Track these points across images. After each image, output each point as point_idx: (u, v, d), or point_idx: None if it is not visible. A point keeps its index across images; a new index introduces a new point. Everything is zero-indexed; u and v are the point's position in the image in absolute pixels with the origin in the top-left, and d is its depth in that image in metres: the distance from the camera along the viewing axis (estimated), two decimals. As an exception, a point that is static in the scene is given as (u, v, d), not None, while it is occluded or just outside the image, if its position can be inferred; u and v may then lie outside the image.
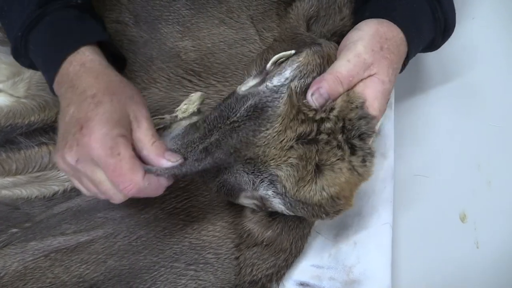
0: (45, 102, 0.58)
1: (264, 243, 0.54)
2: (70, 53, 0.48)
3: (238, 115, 0.45)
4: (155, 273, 0.53)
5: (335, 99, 0.46)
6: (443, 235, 0.59)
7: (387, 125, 0.61)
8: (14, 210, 0.57)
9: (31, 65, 0.53)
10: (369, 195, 0.58)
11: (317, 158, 0.44)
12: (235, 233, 0.56)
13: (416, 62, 0.70)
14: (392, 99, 0.63)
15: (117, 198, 0.45)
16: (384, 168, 0.60)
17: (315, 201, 0.44)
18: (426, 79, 0.69)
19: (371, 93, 0.47)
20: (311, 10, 0.59)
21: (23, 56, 0.51)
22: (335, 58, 0.48)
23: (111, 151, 0.42)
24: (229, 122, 0.45)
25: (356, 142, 0.45)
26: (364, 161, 0.45)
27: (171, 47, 0.62)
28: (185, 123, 0.50)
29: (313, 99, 0.45)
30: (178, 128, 0.50)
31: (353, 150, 0.45)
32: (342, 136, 0.45)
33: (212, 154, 0.45)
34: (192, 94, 0.52)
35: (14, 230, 0.55)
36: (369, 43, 0.48)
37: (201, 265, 0.54)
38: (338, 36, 0.59)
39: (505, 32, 0.73)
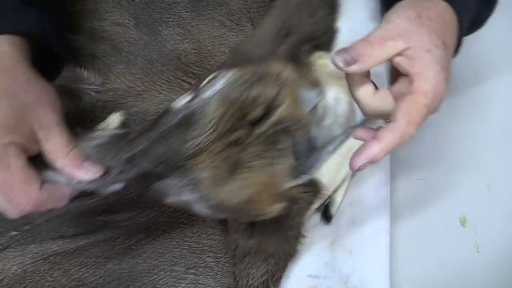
0: (45, 104, 0.58)
1: (252, 251, 0.53)
2: None
3: (168, 125, 0.43)
4: (155, 276, 0.53)
5: (364, 60, 0.39)
6: (443, 239, 0.59)
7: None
8: (14, 213, 0.57)
9: None
10: (363, 201, 0.57)
11: (237, 155, 0.42)
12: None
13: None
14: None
15: (11, 214, 0.41)
16: (376, 173, 0.58)
17: (233, 204, 0.42)
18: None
19: (418, 66, 0.40)
20: (276, 24, 0.57)
21: None
22: (279, 69, 0.44)
23: (0, 162, 0.38)
24: (159, 131, 0.43)
25: (277, 137, 0.43)
26: (274, 161, 0.43)
27: (171, 50, 0.62)
28: (110, 132, 0.47)
29: (337, 55, 0.39)
30: (103, 136, 0.46)
31: (270, 146, 0.43)
32: (265, 129, 0.42)
33: (139, 165, 0.42)
34: (110, 116, 0.49)
35: (14, 233, 0.55)
36: (404, 11, 0.42)
37: (200, 269, 0.54)
38: (309, 41, 0.58)
39: (506, 34, 0.72)
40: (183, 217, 0.56)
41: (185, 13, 0.62)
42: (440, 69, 0.40)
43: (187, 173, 0.42)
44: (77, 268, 0.53)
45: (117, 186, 0.44)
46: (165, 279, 0.53)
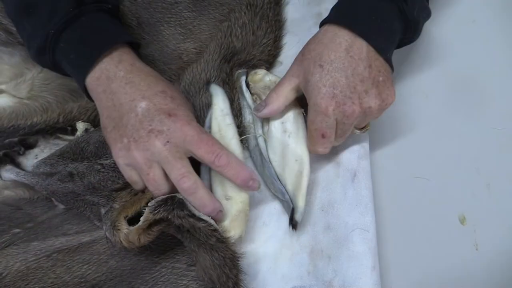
0: (48, 103, 0.59)
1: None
2: (112, 50, 0.49)
3: (107, 161, 0.52)
4: (156, 273, 0.54)
5: (270, 103, 0.54)
6: (443, 237, 0.59)
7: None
8: (17, 211, 0.57)
9: (53, 65, 0.52)
10: (332, 204, 0.57)
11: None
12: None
13: (415, 64, 0.70)
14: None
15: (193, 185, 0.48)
16: (340, 175, 0.58)
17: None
18: (426, 82, 0.69)
19: (308, 89, 0.51)
20: (221, 50, 0.60)
21: (47, 54, 0.51)
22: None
23: (201, 130, 0.48)
24: (99, 162, 0.51)
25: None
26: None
27: (173, 49, 0.62)
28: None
29: (254, 109, 0.56)
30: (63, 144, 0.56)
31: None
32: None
33: (74, 182, 0.51)
34: (77, 124, 0.58)
35: (17, 230, 0.55)
36: (295, 58, 0.54)
37: (202, 266, 0.54)
38: (250, 61, 0.61)
39: (505, 35, 0.73)
40: (185, 215, 0.56)
41: (186, 13, 0.63)
42: (321, 86, 0.50)
43: (109, 200, 0.52)
44: (80, 265, 0.53)
45: (61, 206, 0.56)
46: (166, 276, 0.53)
